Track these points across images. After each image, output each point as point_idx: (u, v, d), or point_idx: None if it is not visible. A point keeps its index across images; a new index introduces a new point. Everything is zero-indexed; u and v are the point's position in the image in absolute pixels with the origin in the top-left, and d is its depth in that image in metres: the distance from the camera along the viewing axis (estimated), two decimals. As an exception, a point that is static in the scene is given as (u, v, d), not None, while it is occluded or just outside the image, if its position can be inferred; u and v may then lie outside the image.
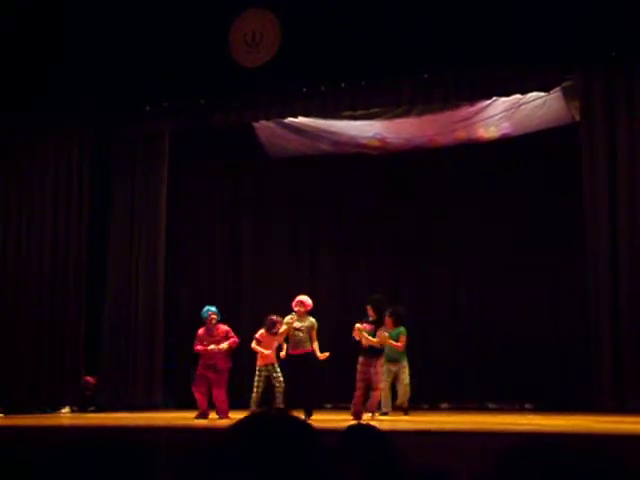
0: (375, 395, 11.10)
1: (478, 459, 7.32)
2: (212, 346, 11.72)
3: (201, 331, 11.96)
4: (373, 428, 3.56)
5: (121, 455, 2.51)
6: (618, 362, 11.23)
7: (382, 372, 11.47)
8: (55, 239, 13.76)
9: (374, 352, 11.07)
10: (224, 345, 11.75)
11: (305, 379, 11.34)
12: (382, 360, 11.33)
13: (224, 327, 11.97)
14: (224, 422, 11.04)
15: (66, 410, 13.30)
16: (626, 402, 11.09)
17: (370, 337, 10.99)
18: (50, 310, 13.57)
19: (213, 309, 11.98)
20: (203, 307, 12.23)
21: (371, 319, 11.18)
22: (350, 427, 3.59)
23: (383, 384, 11.71)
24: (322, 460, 2.04)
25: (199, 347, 11.87)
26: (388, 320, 12.01)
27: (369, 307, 11.29)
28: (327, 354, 11.47)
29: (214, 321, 11.92)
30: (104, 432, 9.10)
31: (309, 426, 2.10)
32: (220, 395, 11.78)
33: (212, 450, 2.03)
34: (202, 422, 11.20)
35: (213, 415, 11.79)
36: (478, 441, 8.06)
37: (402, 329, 12.56)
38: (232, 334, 11.92)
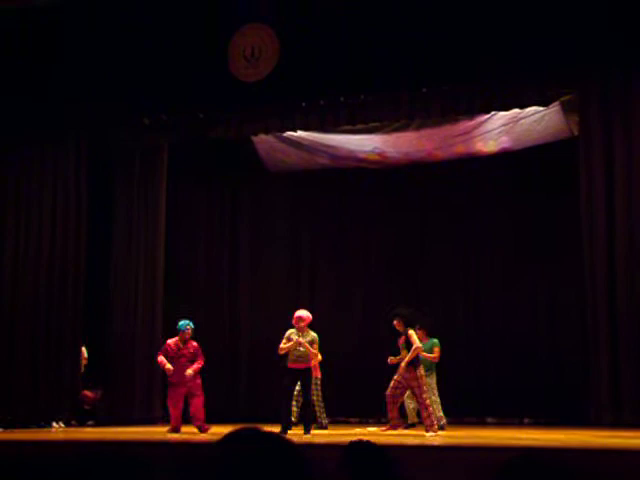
0: (428, 410, 11.06)
1: (478, 474, 7.31)
2: (189, 371, 11.64)
3: (171, 341, 11.92)
4: (374, 445, 3.52)
5: (117, 470, 2.51)
6: (616, 377, 11.21)
7: (424, 382, 11.29)
8: (53, 253, 13.72)
9: (410, 362, 11.06)
10: (190, 372, 11.64)
11: (304, 394, 11.35)
12: (419, 369, 11.20)
13: (195, 344, 11.92)
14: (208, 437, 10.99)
15: (61, 425, 13.23)
16: (624, 417, 11.06)
17: (406, 350, 11.03)
18: (48, 324, 13.52)
19: (192, 325, 11.95)
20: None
21: (400, 332, 11.20)
22: (351, 444, 3.56)
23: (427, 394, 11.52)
24: (305, 476, 2.04)
25: (165, 364, 11.74)
26: (419, 332, 11.90)
27: (396, 320, 11.30)
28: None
29: (189, 336, 11.89)
30: (101, 447, 9.07)
31: (290, 443, 2.10)
32: (197, 404, 11.73)
33: (199, 466, 2.03)
34: (177, 437, 11.15)
35: (188, 429, 11.73)
36: (477, 456, 8.03)
37: (435, 340, 12.49)
38: (201, 353, 11.87)
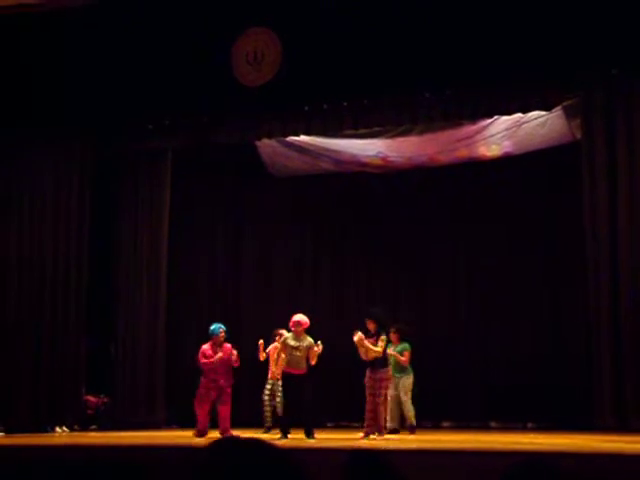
0: (380, 409, 11.08)
1: (481, 479, 7.31)
2: (219, 354, 11.66)
3: (206, 346, 11.86)
4: (378, 454, 3.42)
5: (120, 475, 2.51)
6: (619, 381, 11.20)
7: (390, 385, 11.43)
8: (56, 258, 13.74)
9: (379, 364, 11.07)
10: (220, 356, 11.69)
11: (304, 398, 11.25)
12: (389, 371, 11.32)
13: (229, 346, 11.92)
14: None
15: (65, 429, 13.24)
16: (627, 421, 11.05)
17: (373, 347, 10.98)
18: (51, 329, 13.54)
19: (224, 327, 11.95)
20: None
21: (371, 332, 11.16)
22: (353, 453, 3.44)
23: (389, 397, 11.60)
24: None
25: (204, 360, 11.78)
26: (393, 336, 12.10)
27: (369, 320, 11.25)
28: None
29: (223, 338, 11.89)
30: (104, 452, 9.07)
31: (280, 450, 2.10)
32: (224, 412, 11.72)
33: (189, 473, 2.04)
34: (200, 440, 11.12)
35: (213, 433, 11.72)
36: (480, 460, 8.03)
37: (406, 345, 12.59)
38: (236, 354, 11.86)
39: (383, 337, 11.18)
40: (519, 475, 2.36)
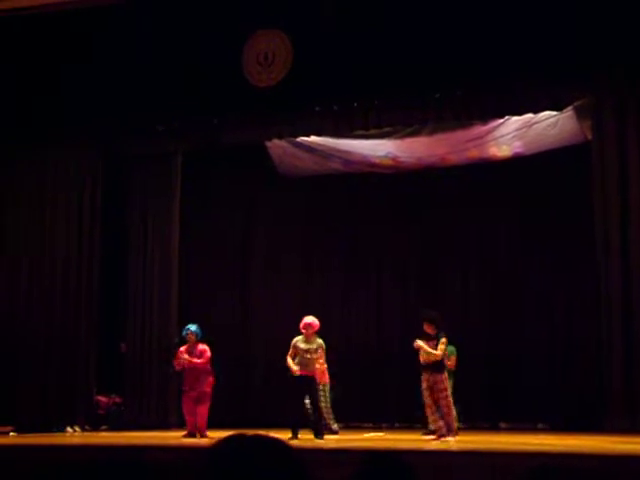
0: (448, 413, 10.85)
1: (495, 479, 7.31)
2: (185, 356, 11.77)
3: (183, 348, 12.00)
4: (397, 457, 3.35)
5: (131, 475, 2.51)
6: (630, 383, 11.17)
7: (447, 386, 11.05)
8: (68, 260, 13.79)
9: (438, 367, 10.86)
10: (185, 356, 11.77)
11: (313, 400, 11.29)
12: (445, 374, 11.03)
13: (202, 346, 11.96)
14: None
15: (77, 429, 13.29)
16: (638, 422, 11.01)
17: (433, 351, 10.74)
18: (62, 329, 13.58)
19: (192, 328, 12.00)
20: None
21: (431, 335, 10.87)
22: (371, 455, 3.38)
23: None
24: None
25: (175, 362, 11.99)
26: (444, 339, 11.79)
27: (427, 324, 10.93)
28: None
29: (192, 341, 11.95)
30: (115, 452, 9.09)
31: (289, 447, 2.11)
32: (201, 413, 11.80)
33: (195, 471, 2.04)
34: (192, 441, 11.18)
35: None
36: (492, 461, 8.01)
37: (452, 348, 12.34)
38: (206, 354, 11.88)
39: (444, 340, 10.86)
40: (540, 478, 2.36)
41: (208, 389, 11.87)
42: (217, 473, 2.01)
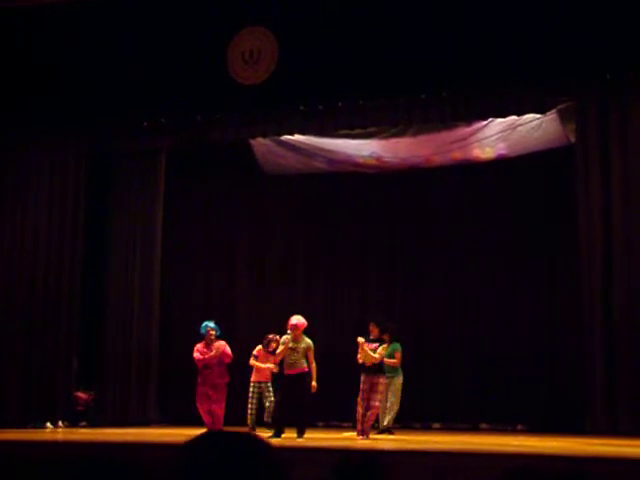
0: (371, 415, 11.07)
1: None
2: (214, 352, 11.78)
3: (200, 345, 11.98)
4: (371, 455, 3.40)
5: (110, 472, 2.50)
6: (611, 384, 11.22)
7: (384, 390, 11.40)
8: (49, 255, 13.72)
9: (377, 369, 11.05)
10: (215, 353, 11.78)
11: (300, 399, 11.30)
12: (384, 377, 11.31)
13: (222, 343, 11.98)
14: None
15: (60, 424, 13.25)
16: (618, 424, 11.06)
17: (372, 353, 10.94)
18: (42, 326, 13.52)
19: (211, 325, 12.03)
20: (198, 323, 12.27)
21: (372, 337, 11.14)
22: (347, 455, 3.44)
23: (381, 402, 11.51)
24: (277, 477, 2.04)
25: (198, 355, 11.90)
26: (384, 337, 11.97)
27: (372, 325, 11.20)
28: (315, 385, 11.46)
29: (213, 337, 11.96)
30: (94, 449, 9.05)
31: (265, 444, 2.10)
32: (217, 410, 11.77)
33: (171, 468, 2.03)
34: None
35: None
36: (471, 462, 8.03)
37: (397, 345, 12.58)
38: (228, 351, 11.90)
39: (384, 345, 11.15)
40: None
41: (224, 387, 11.90)
42: (192, 470, 2.01)
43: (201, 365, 11.86)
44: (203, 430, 2.17)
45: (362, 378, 11.08)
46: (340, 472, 3.04)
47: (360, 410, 11.05)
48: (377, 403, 11.09)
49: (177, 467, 2.03)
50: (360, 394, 11.06)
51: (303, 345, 11.26)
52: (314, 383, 11.45)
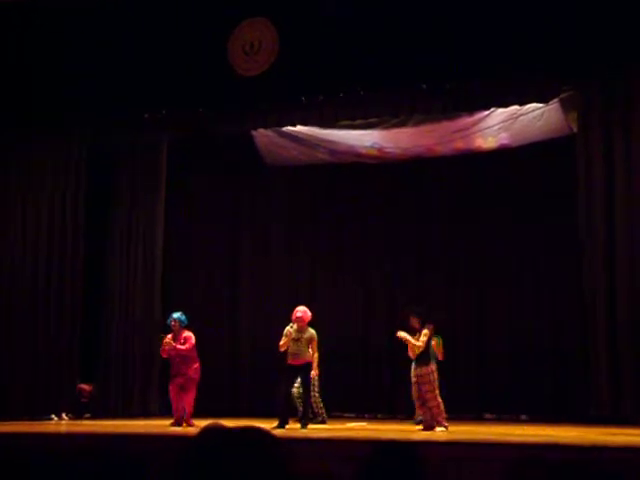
0: (432, 404, 10.90)
1: (476, 470, 7.32)
2: (168, 340, 11.82)
3: (169, 336, 12.00)
4: (409, 447, 3.26)
5: (114, 463, 2.50)
6: (615, 373, 11.22)
7: (434, 379, 11.07)
8: (51, 248, 13.72)
9: (422, 359, 10.93)
10: (167, 340, 11.84)
11: (304, 390, 11.36)
12: (431, 365, 11.07)
13: (187, 333, 11.98)
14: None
15: (64, 417, 13.28)
16: (622, 413, 11.08)
17: (414, 341, 10.81)
18: (46, 318, 13.53)
19: (175, 316, 12.01)
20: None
21: (415, 329, 10.95)
22: (381, 445, 3.31)
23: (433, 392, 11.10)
24: (285, 471, 2.03)
25: (161, 350, 12.04)
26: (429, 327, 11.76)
27: (413, 318, 11.01)
28: (316, 373, 11.41)
29: (176, 328, 11.95)
30: (98, 441, 9.07)
31: (268, 437, 2.10)
32: (186, 401, 11.79)
33: (178, 462, 2.03)
34: (175, 430, 11.19)
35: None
36: (476, 452, 8.03)
37: (438, 338, 12.42)
38: (190, 340, 11.88)
39: (425, 331, 10.91)
40: (526, 471, 2.35)
41: (194, 375, 11.87)
42: (194, 464, 2.00)
43: (165, 356, 12.02)
44: (202, 422, 2.16)
45: (412, 370, 11.09)
46: (372, 464, 2.98)
47: (417, 403, 11.06)
48: (430, 394, 10.88)
49: (182, 463, 2.03)
50: (413, 387, 11.11)
51: (307, 335, 11.29)
52: (314, 372, 11.47)
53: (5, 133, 13.72)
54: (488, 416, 14.34)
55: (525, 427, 12.05)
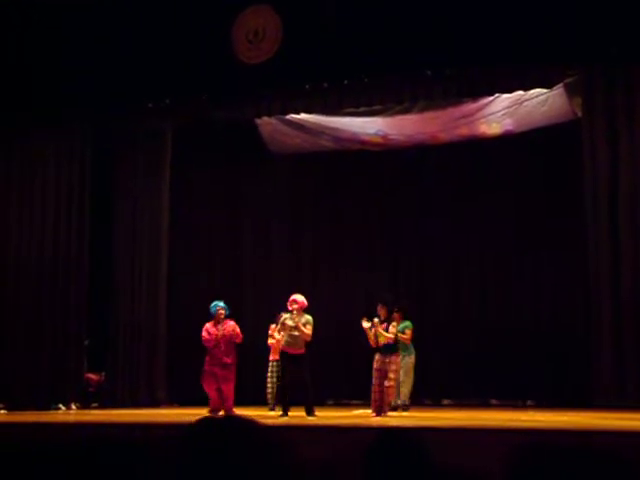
0: (387, 394, 11.11)
1: (482, 456, 7.33)
2: (223, 331, 11.72)
3: (209, 325, 11.89)
4: (412, 433, 3.28)
5: (122, 452, 2.52)
6: (620, 359, 11.23)
7: (399, 368, 11.51)
8: (56, 238, 13.75)
9: (391, 349, 11.14)
10: (226, 331, 11.75)
11: (301, 378, 11.30)
12: (398, 356, 11.39)
13: (231, 323, 11.94)
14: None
15: (72, 406, 13.33)
16: (627, 399, 11.08)
17: (385, 333, 11.05)
18: (52, 308, 13.56)
19: (221, 304, 11.95)
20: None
21: (382, 318, 11.20)
22: (385, 432, 3.30)
23: (395, 381, 11.50)
24: (277, 461, 2.05)
25: (206, 337, 11.79)
26: (395, 314, 11.98)
27: (380, 306, 11.30)
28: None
29: (222, 316, 11.90)
30: (107, 430, 9.11)
31: (262, 427, 2.11)
32: (227, 391, 11.73)
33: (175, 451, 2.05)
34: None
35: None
36: (481, 438, 8.06)
37: (408, 323, 12.58)
38: (238, 331, 11.88)
39: (394, 323, 11.29)
40: (528, 456, 2.36)
41: (233, 366, 11.80)
42: (190, 454, 2.02)
43: (211, 345, 11.80)
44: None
45: (376, 357, 11.18)
46: (375, 451, 2.99)
47: (376, 389, 11.11)
48: (392, 382, 11.14)
49: (176, 452, 2.05)
50: (374, 373, 11.13)
51: (302, 321, 11.25)
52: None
53: (10, 121, 13.70)
54: (494, 402, 14.36)
55: (530, 412, 12.08)
